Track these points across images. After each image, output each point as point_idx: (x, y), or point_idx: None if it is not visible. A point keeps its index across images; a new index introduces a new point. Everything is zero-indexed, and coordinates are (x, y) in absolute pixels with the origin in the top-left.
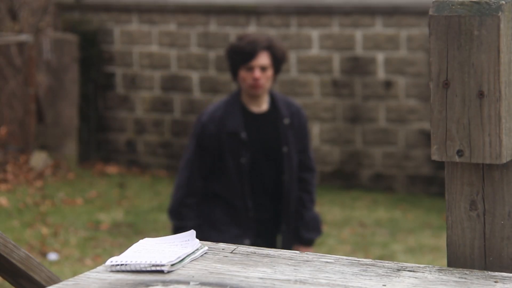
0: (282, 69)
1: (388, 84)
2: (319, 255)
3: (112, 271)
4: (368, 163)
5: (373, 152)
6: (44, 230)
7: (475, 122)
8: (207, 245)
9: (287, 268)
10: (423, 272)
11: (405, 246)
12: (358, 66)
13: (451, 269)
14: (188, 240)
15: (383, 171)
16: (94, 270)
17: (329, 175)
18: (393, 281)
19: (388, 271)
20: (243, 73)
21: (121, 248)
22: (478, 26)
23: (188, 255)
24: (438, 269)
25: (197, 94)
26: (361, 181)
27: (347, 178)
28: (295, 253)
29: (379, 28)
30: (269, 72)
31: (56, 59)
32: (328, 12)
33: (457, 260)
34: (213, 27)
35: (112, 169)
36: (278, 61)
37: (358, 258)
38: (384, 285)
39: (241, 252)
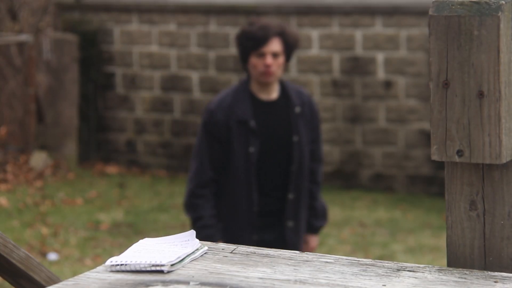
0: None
1: (388, 84)
2: (319, 255)
3: (112, 271)
4: (368, 163)
5: (373, 152)
6: (44, 230)
7: (475, 122)
8: (207, 245)
9: (287, 268)
10: (423, 272)
11: (405, 246)
12: (358, 66)
13: (451, 269)
14: (188, 240)
15: (383, 171)
16: (94, 270)
17: (329, 175)
18: (393, 281)
19: (388, 271)
20: (253, 60)
21: (121, 248)
22: (478, 26)
23: (188, 255)
24: (438, 269)
25: (197, 94)
26: (361, 181)
27: (347, 178)
28: (295, 253)
29: (379, 28)
30: (281, 59)
31: (56, 59)
32: (328, 12)
33: (457, 260)
34: (213, 27)
35: (112, 169)
36: (290, 48)
37: (358, 258)
38: (384, 285)
39: (241, 252)
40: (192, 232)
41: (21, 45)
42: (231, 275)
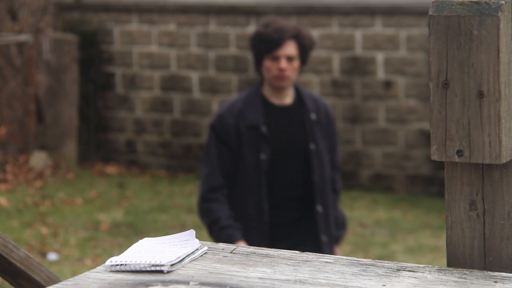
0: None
1: (387, 84)
2: (319, 255)
3: (111, 271)
4: (368, 163)
5: (373, 152)
6: (44, 230)
7: (474, 122)
8: (206, 245)
9: (286, 268)
10: (422, 272)
11: (404, 246)
12: (357, 66)
13: (450, 269)
14: (188, 240)
15: (383, 171)
16: (94, 270)
17: None
18: (392, 281)
19: (388, 271)
20: (267, 63)
21: (121, 248)
22: (477, 26)
23: (187, 255)
24: (438, 269)
25: (196, 94)
26: (361, 181)
27: (347, 178)
28: (295, 253)
29: (378, 28)
30: (296, 63)
31: (56, 59)
32: (328, 12)
33: (456, 260)
34: (212, 27)
35: (111, 169)
36: (306, 52)
37: (357, 258)
38: (384, 285)
39: (240, 252)
40: (192, 232)
41: (21, 45)
42: (231, 275)
